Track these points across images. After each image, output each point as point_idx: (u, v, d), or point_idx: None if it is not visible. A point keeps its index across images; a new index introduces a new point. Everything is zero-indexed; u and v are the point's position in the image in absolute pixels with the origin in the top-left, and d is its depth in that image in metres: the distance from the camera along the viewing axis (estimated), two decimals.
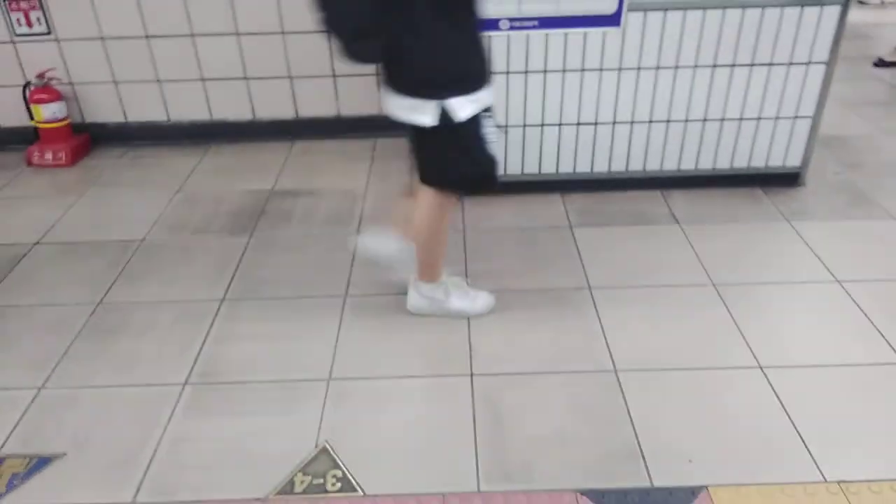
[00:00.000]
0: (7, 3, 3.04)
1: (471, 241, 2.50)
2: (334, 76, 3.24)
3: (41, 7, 3.05)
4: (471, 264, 2.36)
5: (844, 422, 1.70)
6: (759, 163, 2.73)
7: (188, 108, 3.32)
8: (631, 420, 1.72)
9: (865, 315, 2.06)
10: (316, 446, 1.67)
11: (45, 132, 3.17)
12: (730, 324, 2.04)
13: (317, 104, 3.31)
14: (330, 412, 1.77)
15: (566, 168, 2.75)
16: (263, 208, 2.77)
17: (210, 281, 2.31)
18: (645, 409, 1.75)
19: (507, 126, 2.65)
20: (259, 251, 2.49)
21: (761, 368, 1.87)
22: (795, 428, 1.68)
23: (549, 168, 2.75)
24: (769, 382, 1.82)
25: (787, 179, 2.77)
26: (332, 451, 1.65)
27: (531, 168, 2.74)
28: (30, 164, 3.20)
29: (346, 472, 1.60)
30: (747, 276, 2.25)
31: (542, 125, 2.65)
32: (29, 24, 3.10)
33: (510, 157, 2.72)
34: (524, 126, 2.65)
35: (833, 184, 2.82)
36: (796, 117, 2.63)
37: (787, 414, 1.72)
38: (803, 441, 1.64)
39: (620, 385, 1.83)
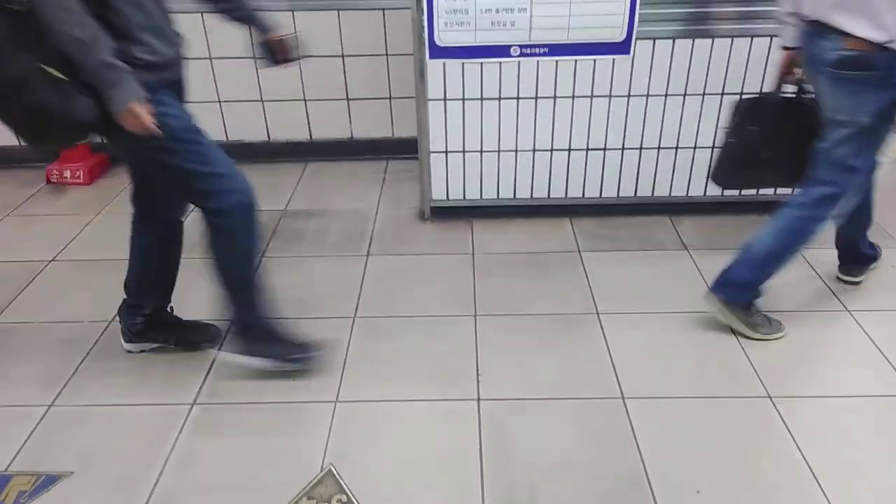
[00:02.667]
0: None
1: (479, 265, 2.51)
2: (348, 99, 3.29)
3: None
4: (479, 289, 2.37)
5: (855, 455, 1.68)
6: (767, 190, 2.72)
7: (204, 129, 3.37)
8: (638, 448, 1.71)
9: (876, 346, 2.04)
10: (321, 469, 1.67)
11: (64, 151, 3.24)
12: (739, 352, 2.03)
13: (330, 126, 3.36)
14: (336, 435, 1.77)
15: (575, 192, 2.76)
16: (276, 228, 2.80)
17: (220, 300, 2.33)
18: (653, 437, 1.74)
19: (516, 150, 2.68)
20: (271, 271, 2.50)
21: (770, 398, 1.85)
22: (805, 460, 1.66)
23: (558, 192, 2.76)
24: (779, 413, 1.80)
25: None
26: (337, 475, 1.65)
27: (540, 192, 2.76)
28: (49, 181, 3.26)
29: (351, 497, 1.60)
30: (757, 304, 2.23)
31: (552, 150, 2.67)
32: None
33: (519, 181, 2.74)
34: (534, 150, 2.68)
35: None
36: None
37: (798, 446, 1.70)
38: (813, 474, 1.62)
39: (628, 412, 1.82)
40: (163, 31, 1.65)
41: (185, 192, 1.84)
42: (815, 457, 1.66)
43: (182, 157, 1.70)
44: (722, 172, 2.20)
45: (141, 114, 1.56)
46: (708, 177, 2.53)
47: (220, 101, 3.29)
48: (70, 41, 1.46)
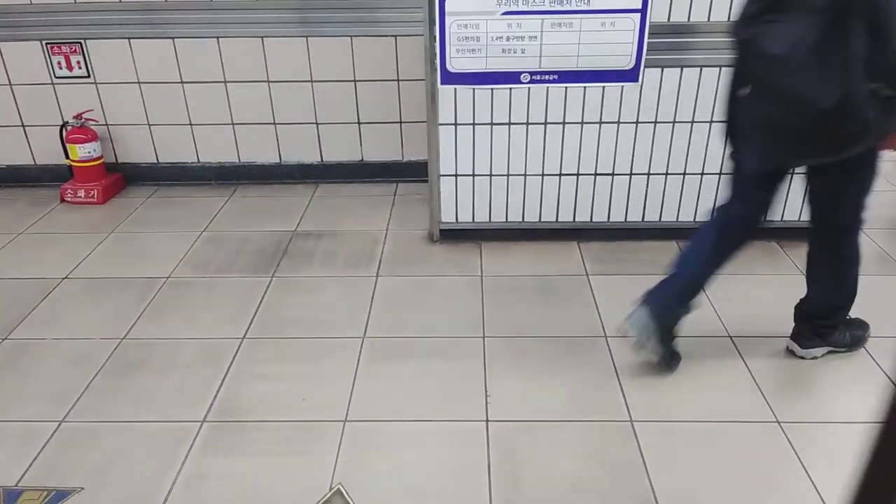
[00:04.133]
0: (49, 47, 3.21)
1: (488, 287, 2.52)
2: (359, 123, 3.34)
3: (82, 52, 3.21)
4: (488, 311, 2.38)
5: None
6: (774, 216, 2.74)
7: (217, 151, 3.43)
8: (647, 472, 1.70)
9: (884, 372, 2.04)
10: (330, 489, 1.67)
11: (79, 170, 3.29)
12: (746, 376, 2.03)
13: (341, 149, 3.41)
14: (345, 454, 1.78)
15: (583, 216, 2.79)
16: (286, 249, 2.83)
17: (231, 319, 2.35)
18: (661, 460, 1.74)
19: (525, 174, 2.71)
20: (280, 291, 2.53)
21: (779, 423, 1.85)
22: (814, 485, 1.65)
23: (566, 216, 2.79)
24: (787, 438, 1.80)
25: (803, 233, 2.77)
26: (345, 494, 1.66)
27: (549, 215, 2.79)
28: (63, 200, 3.31)
29: None
30: (765, 329, 2.24)
31: (561, 174, 2.70)
32: (69, 68, 3.25)
33: (528, 205, 2.77)
34: (543, 175, 2.71)
35: None
36: None
37: (806, 471, 1.70)
38: (822, 500, 1.62)
39: (636, 435, 1.82)
40: None
41: (856, 206, 1.91)
42: (824, 482, 1.66)
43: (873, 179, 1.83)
44: None
45: None
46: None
47: (233, 124, 3.35)
48: None
